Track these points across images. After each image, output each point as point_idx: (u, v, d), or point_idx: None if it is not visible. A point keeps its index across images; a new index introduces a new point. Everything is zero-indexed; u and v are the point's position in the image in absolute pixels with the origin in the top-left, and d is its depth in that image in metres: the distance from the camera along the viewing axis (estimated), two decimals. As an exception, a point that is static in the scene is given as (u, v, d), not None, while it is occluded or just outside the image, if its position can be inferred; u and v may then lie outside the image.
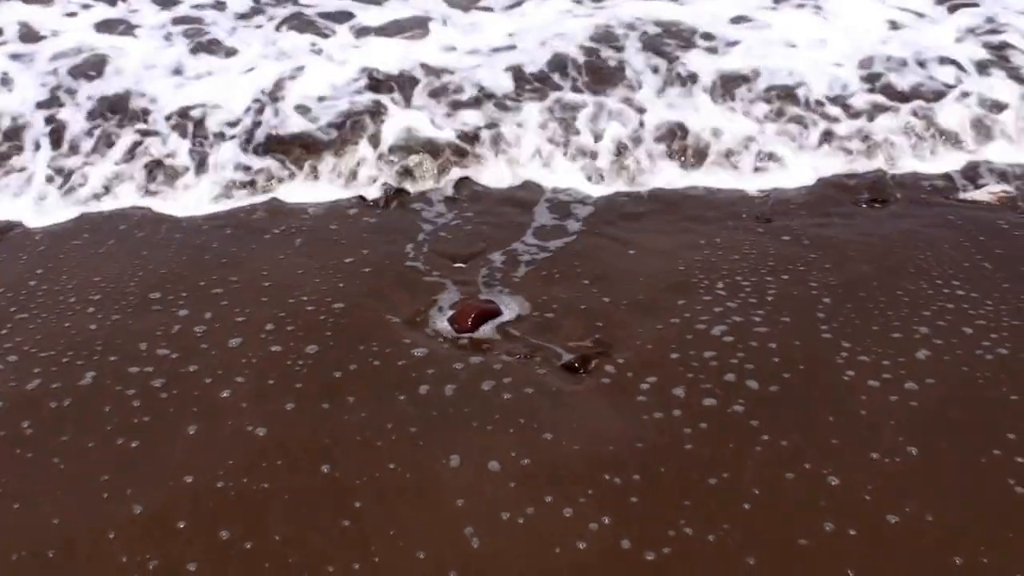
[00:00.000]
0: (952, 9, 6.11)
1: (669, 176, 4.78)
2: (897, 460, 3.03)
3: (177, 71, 5.48)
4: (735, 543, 2.77)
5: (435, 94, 5.25)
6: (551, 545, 2.74)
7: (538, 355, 3.48)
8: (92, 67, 5.50)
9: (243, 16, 6.11)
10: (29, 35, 5.82)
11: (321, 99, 5.21)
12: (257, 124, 5.01)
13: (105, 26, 5.96)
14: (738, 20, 5.97)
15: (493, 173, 4.83)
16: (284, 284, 3.91)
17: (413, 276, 4.06)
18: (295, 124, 5.03)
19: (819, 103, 5.20)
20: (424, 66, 5.46)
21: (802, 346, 3.50)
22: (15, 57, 5.55)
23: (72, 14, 6.07)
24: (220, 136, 4.98)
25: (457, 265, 4.11)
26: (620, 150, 4.87)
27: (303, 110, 5.14)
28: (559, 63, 5.53)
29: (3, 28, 5.88)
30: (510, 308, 3.72)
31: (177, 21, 6.10)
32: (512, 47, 5.66)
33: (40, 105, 5.16)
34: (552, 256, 4.13)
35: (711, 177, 4.82)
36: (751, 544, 2.78)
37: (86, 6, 6.20)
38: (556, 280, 3.93)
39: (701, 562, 2.73)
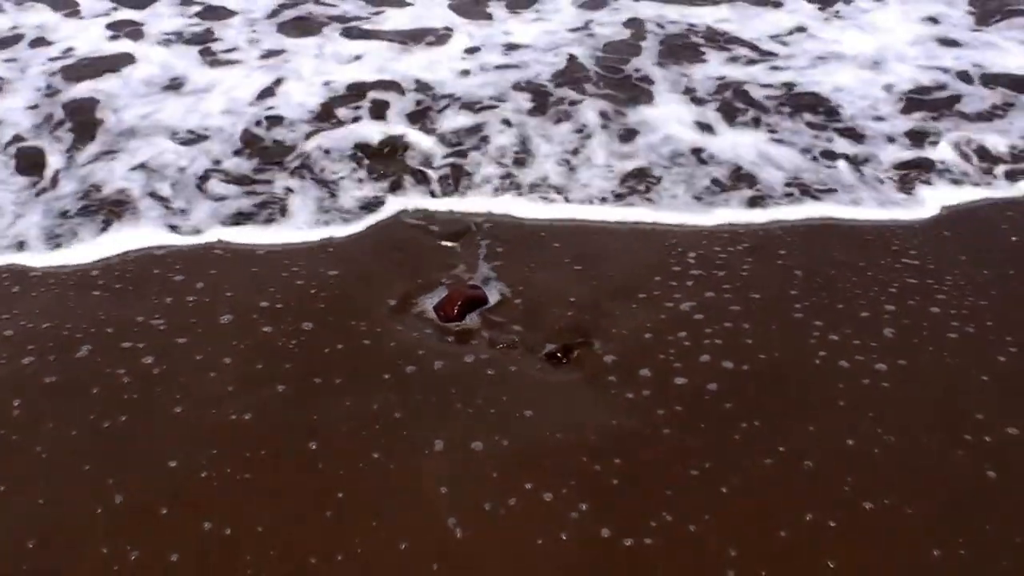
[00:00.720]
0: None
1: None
2: (872, 446, 3.08)
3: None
4: (717, 534, 2.80)
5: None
6: (533, 535, 2.74)
7: (521, 345, 3.47)
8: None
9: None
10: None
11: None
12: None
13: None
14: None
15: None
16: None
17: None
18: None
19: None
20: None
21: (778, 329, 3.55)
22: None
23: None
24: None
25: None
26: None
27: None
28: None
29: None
30: (493, 294, 3.72)
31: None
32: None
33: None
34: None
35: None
36: (733, 536, 2.80)
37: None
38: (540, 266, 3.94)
39: (681, 552, 2.75)
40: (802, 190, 4.48)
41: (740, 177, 4.58)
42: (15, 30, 6.26)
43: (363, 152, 4.79)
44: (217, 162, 4.74)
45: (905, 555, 2.75)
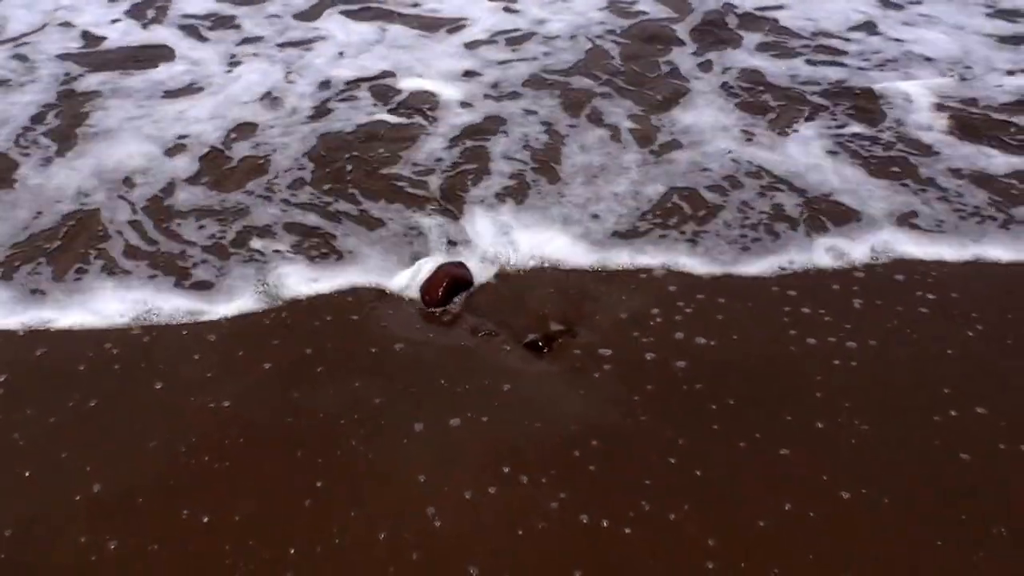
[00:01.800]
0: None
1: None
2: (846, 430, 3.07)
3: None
4: (696, 523, 2.79)
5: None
6: (512, 524, 2.74)
7: (502, 332, 3.44)
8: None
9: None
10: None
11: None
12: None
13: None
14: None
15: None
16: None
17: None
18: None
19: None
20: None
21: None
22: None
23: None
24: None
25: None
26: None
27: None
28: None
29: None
30: (478, 275, 3.68)
31: None
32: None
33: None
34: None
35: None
36: (711, 526, 2.79)
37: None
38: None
39: (662, 540, 2.75)
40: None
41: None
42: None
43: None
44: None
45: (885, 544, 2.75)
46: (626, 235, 3.99)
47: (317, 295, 3.66)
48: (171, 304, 3.63)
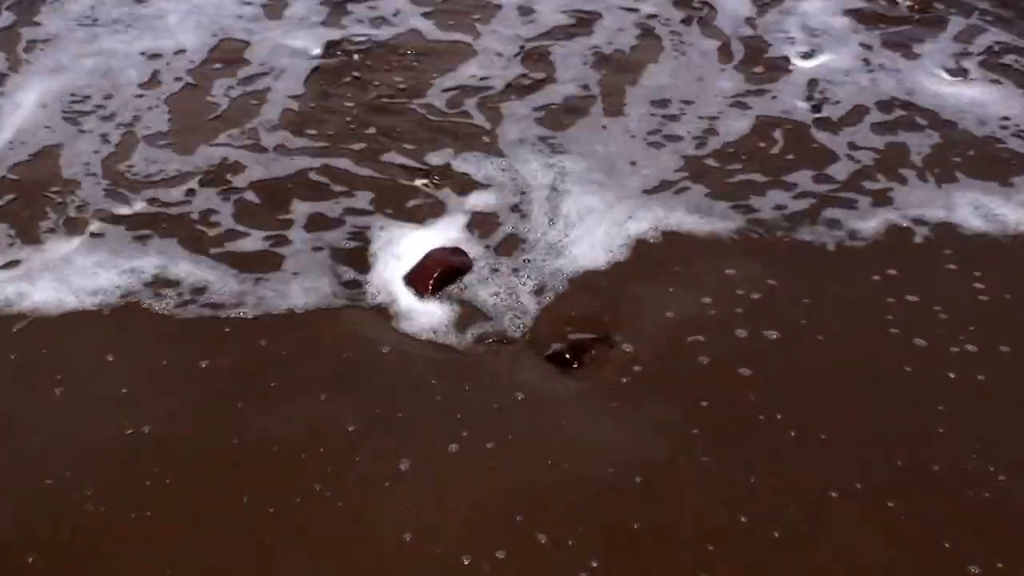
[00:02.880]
0: None
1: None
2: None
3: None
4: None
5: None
6: (527, 606, 2.28)
7: (516, 339, 2.95)
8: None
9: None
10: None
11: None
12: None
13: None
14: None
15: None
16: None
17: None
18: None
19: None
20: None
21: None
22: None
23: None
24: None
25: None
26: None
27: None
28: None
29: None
30: (480, 261, 3.18)
31: None
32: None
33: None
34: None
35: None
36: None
37: None
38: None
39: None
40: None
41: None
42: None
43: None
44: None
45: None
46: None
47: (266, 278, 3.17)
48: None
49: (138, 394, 2.74)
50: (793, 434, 2.63)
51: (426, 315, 3.05)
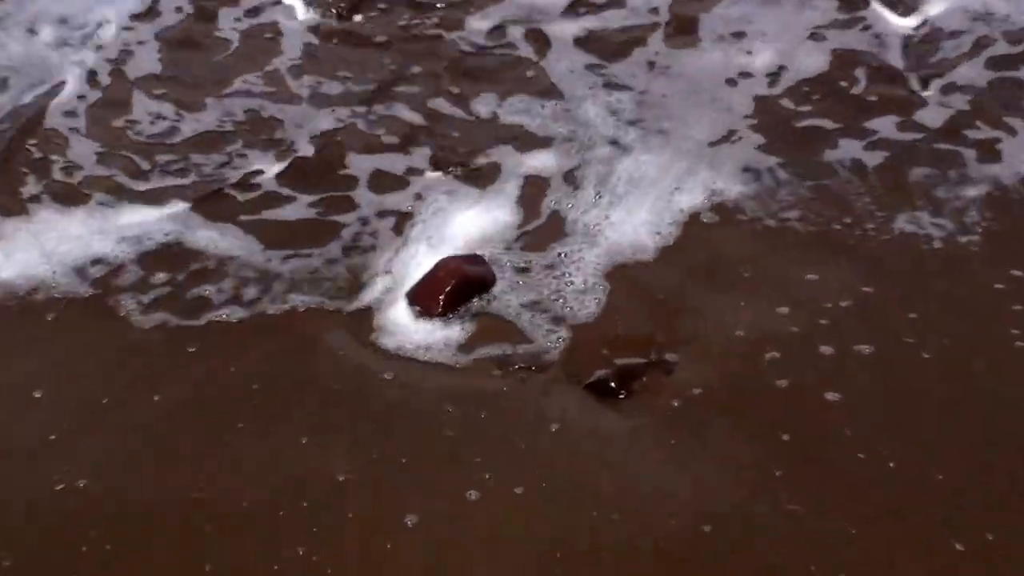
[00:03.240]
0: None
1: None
2: None
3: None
4: None
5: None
6: None
7: (549, 365, 2.62)
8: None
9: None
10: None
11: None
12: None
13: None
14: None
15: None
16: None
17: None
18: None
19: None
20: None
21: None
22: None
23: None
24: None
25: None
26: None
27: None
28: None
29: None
30: (505, 275, 2.75)
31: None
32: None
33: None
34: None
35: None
36: None
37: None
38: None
39: None
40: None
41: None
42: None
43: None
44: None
45: None
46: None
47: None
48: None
49: (73, 436, 2.43)
50: (899, 473, 2.28)
51: (433, 334, 2.66)
